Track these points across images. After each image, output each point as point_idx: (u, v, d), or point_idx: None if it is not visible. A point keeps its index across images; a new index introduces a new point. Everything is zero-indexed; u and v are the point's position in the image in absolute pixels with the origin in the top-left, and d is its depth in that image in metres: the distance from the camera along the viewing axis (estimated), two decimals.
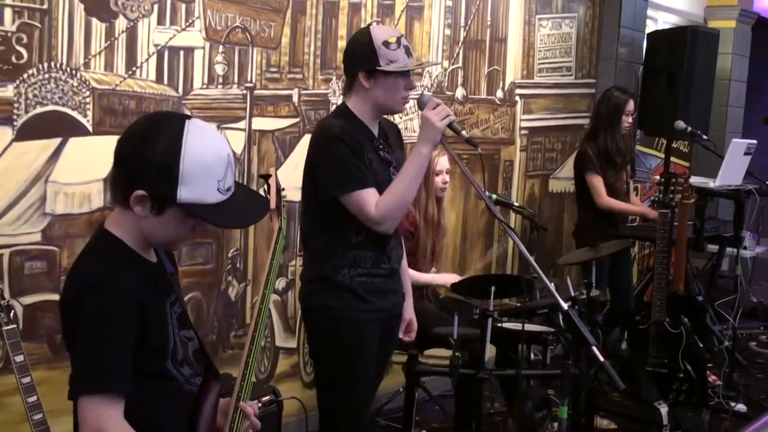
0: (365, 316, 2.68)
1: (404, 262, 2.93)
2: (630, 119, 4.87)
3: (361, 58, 2.62)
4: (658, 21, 6.70)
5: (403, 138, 2.93)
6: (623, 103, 4.86)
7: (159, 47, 3.17)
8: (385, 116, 2.79)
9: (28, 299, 2.86)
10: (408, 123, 4.21)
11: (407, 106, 2.78)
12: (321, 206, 2.63)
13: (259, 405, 2.09)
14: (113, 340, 1.62)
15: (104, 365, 1.61)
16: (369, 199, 2.56)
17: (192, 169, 1.65)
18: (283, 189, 2.27)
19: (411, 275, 3.68)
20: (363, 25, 3.96)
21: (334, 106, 3.85)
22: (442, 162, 3.92)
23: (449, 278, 3.86)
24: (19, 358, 2.47)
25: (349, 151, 2.56)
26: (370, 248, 2.67)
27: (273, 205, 2.20)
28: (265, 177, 2.28)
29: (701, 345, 4.27)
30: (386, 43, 2.58)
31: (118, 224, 1.75)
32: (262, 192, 2.32)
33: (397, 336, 2.92)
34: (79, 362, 1.64)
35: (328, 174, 2.59)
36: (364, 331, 2.69)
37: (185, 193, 1.65)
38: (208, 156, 1.67)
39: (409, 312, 2.95)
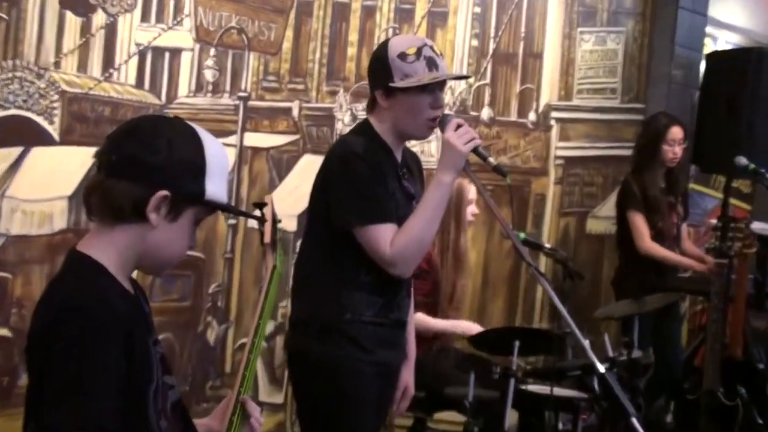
0: (365, 368, 2.65)
1: (411, 311, 2.90)
2: (677, 149, 4.84)
3: (377, 74, 2.63)
4: (719, 40, 6.73)
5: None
6: (663, 129, 4.86)
7: (141, 47, 3.20)
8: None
9: None
10: (425, 146, 4.22)
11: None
12: (331, 235, 2.61)
13: None
14: (99, 371, 1.59)
15: (91, 399, 1.59)
16: (386, 235, 2.53)
17: (213, 165, 1.76)
18: (280, 221, 2.27)
19: (424, 321, 3.66)
20: (377, 31, 3.99)
21: (340, 123, 3.86)
22: (474, 190, 3.89)
23: (470, 327, 3.82)
24: None
25: (371, 174, 2.55)
26: (380, 292, 2.64)
27: (268, 239, 2.19)
28: (260, 205, 2.27)
29: (761, 421, 4.24)
30: (402, 55, 2.57)
31: (100, 247, 1.74)
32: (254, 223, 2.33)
33: (394, 397, 2.88)
34: (57, 400, 1.60)
35: (344, 199, 2.56)
36: (363, 384, 2.66)
37: (210, 188, 1.75)
38: (221, 151, 1.81)
39: (406, 376, 2.88)
